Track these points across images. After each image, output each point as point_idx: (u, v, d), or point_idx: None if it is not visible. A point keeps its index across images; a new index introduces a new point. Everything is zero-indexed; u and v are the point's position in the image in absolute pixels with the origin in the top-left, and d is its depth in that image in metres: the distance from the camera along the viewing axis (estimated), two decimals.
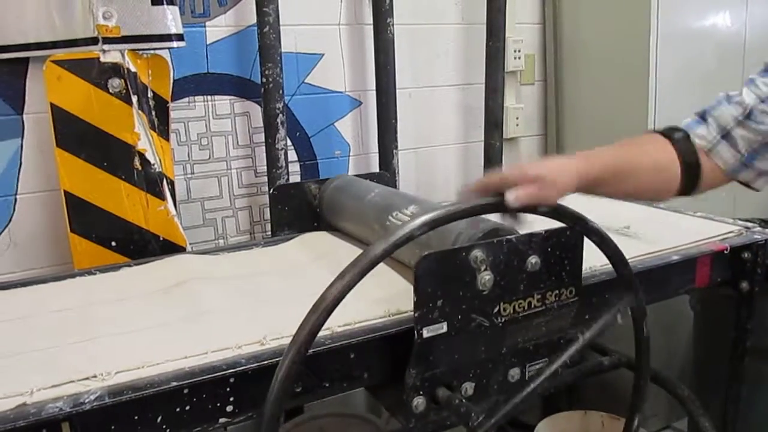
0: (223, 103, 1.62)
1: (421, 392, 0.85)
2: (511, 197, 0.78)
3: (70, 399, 0.71)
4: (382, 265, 0.77)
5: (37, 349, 0.86)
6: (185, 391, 0.75)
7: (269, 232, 1.60)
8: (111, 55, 1.32)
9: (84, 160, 1.33)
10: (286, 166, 1.59)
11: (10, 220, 1.41)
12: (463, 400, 0.86)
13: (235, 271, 1.19)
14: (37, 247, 1.45)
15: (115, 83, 1.33)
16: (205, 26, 1.55)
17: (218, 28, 1.57)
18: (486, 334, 0.87)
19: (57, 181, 1.34)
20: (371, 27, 1.70)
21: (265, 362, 0.79)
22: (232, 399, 0.78)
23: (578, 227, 0.87)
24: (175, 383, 0.75)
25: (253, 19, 1.53)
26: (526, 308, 0.90)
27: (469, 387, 0.89)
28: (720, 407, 1.39)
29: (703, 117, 0.97)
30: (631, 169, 0.92)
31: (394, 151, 1.74)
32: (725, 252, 1.23)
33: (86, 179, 1.33)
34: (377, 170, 1.76)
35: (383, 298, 0.95)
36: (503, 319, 0.88)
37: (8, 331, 0.95)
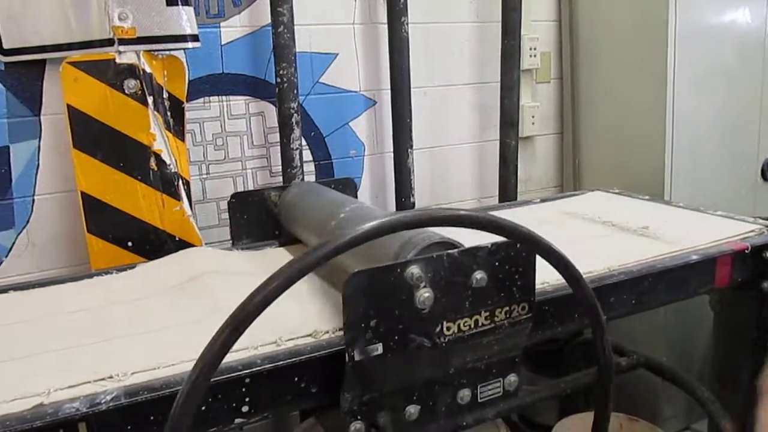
0: (238, 103, 1.62)
1: (359, 417, 0.80)
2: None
3: (86, 399, 0.71)
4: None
5: (53, 350, 0.86)
6: None
7: None
8: (126, 56, 1.33)
9: (100, 161, 1.34)
10: (301, 165, 1.59)
11: (28, 221, 1.43)
12: (408, 425, 0.81)
13: (248, 268, 1.19)
14: (54, 247, 1.46)
15: (131, 84, 1.33)
16: (219, 27, 1.56)
17: (233, 28, 1.58)
18: (429, 355, 0.81)
19: (74, 182, 1.35)
20: (385, 26, 1.69)
21: (281, 363, 0.79)
22: (247, 399, 0.78)
23: (527, 246, 0.81)
24: None
25: (268, 20, 1.53)
26: (472, 327, 0.83)
27: (413, 410, 0.84)
28: (740, 408, 1.37)
29: None
30: None
31: (409, 150, 1.74)
32: (746, 251, 1.21)
33: (102, 180, 1.34)
34: (392, 170, 1.76)
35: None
36: (447, 339, 0.82)
37: (25, 332, 0.95)
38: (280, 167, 1.60)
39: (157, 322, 0.94)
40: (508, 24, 1.78)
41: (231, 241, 1.38)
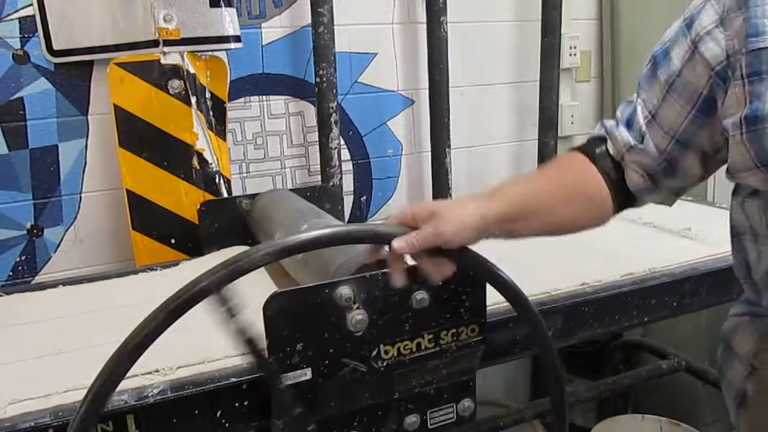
0: (278, 102, 1.64)
1: None
2: (397, 243, 0.67)
3: (134, 392, 0.74)
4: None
5: (101, 343, 0.88)
6: (243, 387, 0.77)
7: None
8: (171, 57, 1.36)
9: (145, 160, 1.37)
10: (339, 165, 1.61)
11: (75, 218, 1.47)
12: None
13: (293, 263, 1.20)
14: (100, 244, 1.50)
15: (175, 84, 1.36)
16: (260, 27, 1.58)
17: (273, 29, 1.60)
18: (365, 380, 0.78)
19: (119, 180, 1.38)
20: (424, 25, 1.69)
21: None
22: None
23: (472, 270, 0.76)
24: (234, 379, 0.76)
25: (308, 20, 1.55)
26: (414, 350, 0.79)
27: None
28: None
29: (599, 137, 0.85)
30: (542, 200, 0.77)
31: (447, 149, 1.73)
32: None
33: (147, 178, 1.37)
34: (429, 169, 1.76)
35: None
36: (386, 363, 0.78)
37: (74, 326, 0.98)
38: (319, 166, 1.62)
39: (202, 317, 0.96)
40: (547, 23, 1.76)
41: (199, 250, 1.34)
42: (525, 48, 1.90)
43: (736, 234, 0.78)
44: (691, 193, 1.60)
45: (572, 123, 1.99)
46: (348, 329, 0.74)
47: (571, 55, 1.94)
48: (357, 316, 0.74)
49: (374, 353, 0.77)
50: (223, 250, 1.29)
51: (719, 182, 1.72)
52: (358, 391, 0.78)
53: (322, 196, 1.45)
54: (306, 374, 0.74)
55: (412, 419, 0.83)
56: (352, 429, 0.80)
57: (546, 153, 1.84)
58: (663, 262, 1.11)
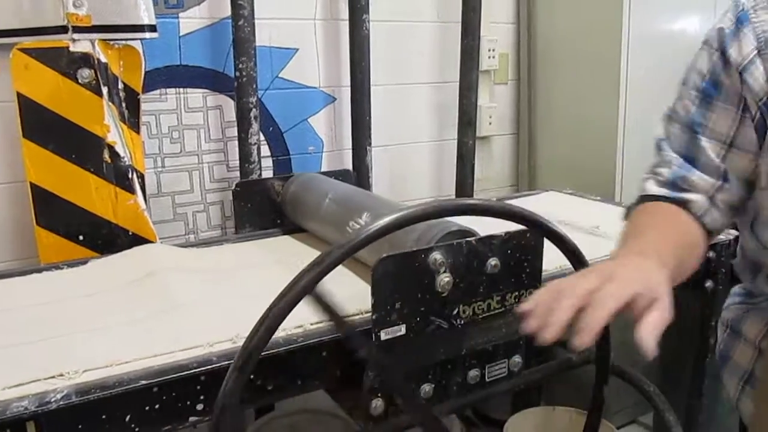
0: (196, 96, 1.60)
1: (379, 394, 0.84)
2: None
3: (35, 398, 0.70)
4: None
5: (0, 347, 0.84)
6: (155, 389, 0.74)
7: None
8: (81, 44, 1.30)
9: (52, 152, 1.30)
10: (259, 161, 1.58)
11: None
12: (422, 402, 0.85)
13: (206, 264, 1.18)
14: (1, 240, 1.42)
15: (85, 74, 1.30)
16: (178, 17, 1.53)
17: (192, 19, 1.55)
18: (445, 336, 0.87)
19: (23, 173, 1.31)
20: (347, 22, 1.69)
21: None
22: (202, 397, 0.77)
23: (538, 230, 0.85)
24: (144, 382, 0.74)
25: (228, 12, 1.51)
26: (485, 310, 0.89)
27: (428, 388, 0.89)
28: (684, 402, 1.42)
29: (680, 186, 0.87)
30: (685, 256, 0.80)
31: (368, 147, 1.74)
32: None
33: (54, 171, 1.31)
34: (350, 167, 1.76)
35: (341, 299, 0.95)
36: (462, 321, 0.87)
37: None
38: (238, 162, 1.59)
39: (109, 318, 0.92)
40: (467, 25, 1.80)
41: (235, 229, 1.41)
42: (446, 49, 1.93)
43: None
44: (601, 192, 1.68)
45: (490, 124, 2.04)
46: (437, 290, 0.83)
47: (490, 57, 1.99)
48: (445, 279, 0.83)
49: (455, 312, 0.86)
50: (136, 248, 1.24)
51: (626, 183, 1.81)
52: (437, 346, 0.87)
53: (345, 180, 1.47)
54: (401, 330, 0.83)
55: (474, 373, 0.93)
56: (426, 382, 0.88)
57: (464, 153, 1.88)
58: (564, 261, 1.15)
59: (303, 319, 0.85)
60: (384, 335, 0.82)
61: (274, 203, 1.41)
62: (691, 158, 0.84)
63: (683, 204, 0.85)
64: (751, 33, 0.74)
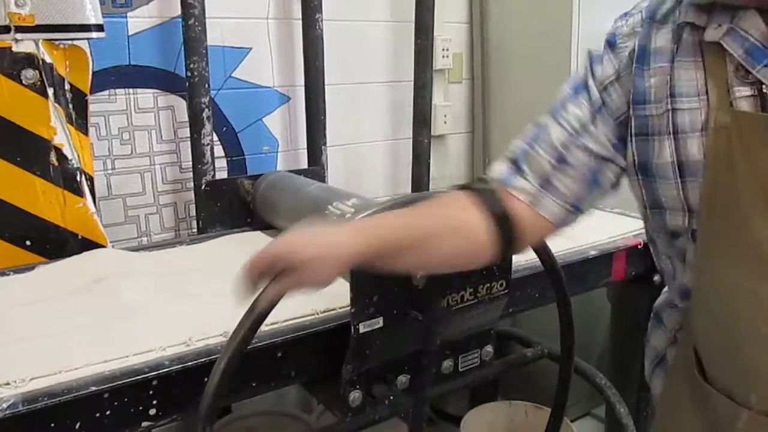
0: (146, 96, 1.57)
1: (357, 386, 0.87)
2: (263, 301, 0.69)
3: None
4: None
5: None
6: (105, 395, 0.73)
7: (195, 230, 1.57)
8: (24, 44, 1.26)
9: None
10: (213, 161, 1.56)
11: None
12: (399, 393, 0.88)
13: (158, 268, 1.16)
14: None
15: (29, 74, 1.26)
16: (126, 17, 1.50)
17: (141, 18, 1.52)
18: (420, 328, 0.89)
19: None
20: (300, 22, 1.68)
21: (190, 363, 0.78)
22: (155, 402, 0.76)
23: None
24: (94, 388, 0.73)
25: (178, 11, 1.49)
26: (459, 302, 0.93)
27: (404, 380, 0.92)
28: (635, 394, 1.47)
29: (516, 165, 0.82)
30: (424, 237, 0.73)
31: (323, 147, 1.74)
32: (639, 247, 1.29)
33: None
34: (306, 166, 1.75)
35: (313, 296, 0.95)
36: (437, 313, 0.90)
37: None
38: (191, 163, 1.56)
39: (58, 325, 0.90)
40: (421, 24, 1.81)
41: (197, 229, 1.41)
42: (400, 48, 1.94)
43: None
44: None
45: (445, 122, 2.06)
46: (413, 284, 0.86)
47: (444, 56, 2.01)
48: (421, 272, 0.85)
49: (429, 305, 0.89)
50: (85, 253, 1.22)
51: None
52: (413, 338, 0.89)
53: (313, 179, 1.46)
54: (379, 323, 0.85)
55: (448, 363, 0.97)
56: (402, 373, 0.92)
57: (420, 151, 1.89)
58: (525, 256, 1.17)
59: (276, 316, 0.85)
60: (362, 328, 0.84)
61: (243, 202, 1.41)
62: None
63: (474, 188, 0.79)
64: (615, 58, 0.80)
